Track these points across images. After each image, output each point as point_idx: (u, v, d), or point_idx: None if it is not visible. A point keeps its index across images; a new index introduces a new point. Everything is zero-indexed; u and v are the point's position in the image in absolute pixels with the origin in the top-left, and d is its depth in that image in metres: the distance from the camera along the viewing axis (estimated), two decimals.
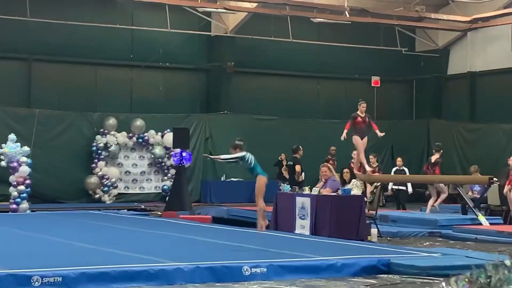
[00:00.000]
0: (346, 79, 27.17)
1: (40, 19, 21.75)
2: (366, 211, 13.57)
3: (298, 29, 24.57)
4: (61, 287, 7.43)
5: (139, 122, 22.98)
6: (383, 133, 17.27)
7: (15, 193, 18.13)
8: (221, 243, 10.88)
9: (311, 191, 13.50)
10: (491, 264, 3.83)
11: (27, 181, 18.18)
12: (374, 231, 13.26)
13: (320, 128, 25.26)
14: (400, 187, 20.07)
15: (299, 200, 13.37)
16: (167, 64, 24.61)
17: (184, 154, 20.41)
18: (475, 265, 4.03)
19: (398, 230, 14.61)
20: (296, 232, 13.11)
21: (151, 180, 23.57)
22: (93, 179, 22.33)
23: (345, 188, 13.54)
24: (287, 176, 20.47)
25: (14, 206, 18.03)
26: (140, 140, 23.10)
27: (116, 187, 22.70)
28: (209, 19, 24.58)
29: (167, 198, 21.25)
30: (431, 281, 8.25)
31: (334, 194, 13.34)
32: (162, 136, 23.14)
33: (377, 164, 19.97)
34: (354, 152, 18.48)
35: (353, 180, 14.33)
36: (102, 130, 22.53)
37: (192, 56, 25.11)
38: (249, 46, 25.29)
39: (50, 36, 22.77)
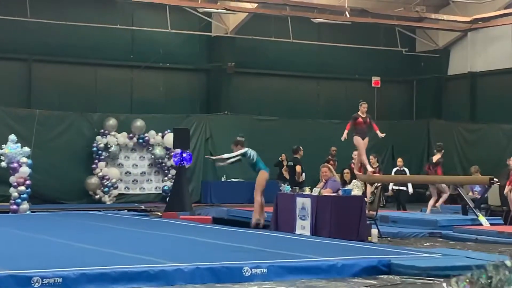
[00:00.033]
0: (347, 79, 27.17)
1: (40, 20, 21.76)
2: (367, 211, 13.56)
3: (299, 30, 24.58)
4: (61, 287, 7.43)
5: (139, 123, 22.98)
6: (384, 134, 17.27)
7: (16, 194, 18.12)
8: (221, 243, 10.87)
9: (311, 191, 13.49)
10: (492, 265, 3.83)
11: (28, 182, 18.17)
12: (374, 231, 13.25)
13: (320, 129, 25.25)
14: (401, 188, 20.07)
15: (299, 200, 13.36)
16: (168, 64, 24.61)
17: (184, 154, 20.40)
18: (476, 266, 4.03)
19: (398, 230, 14.60)
20: (296, 232, 13.10)
21: (151, 180, 23.57)
22: (93, 180, 22.33)
23: (346, 188, 13.54)
24: (288, 177, 20.46)
25: (15, 206, 18.03)
26: (141, 140, 23.09)
27: (116, 188, 22.70)
28: (209, 19, 24.59)
29: (167, 198, 21.23)
30: (432, 281, 8.25)
31: (334, 194, 13.33)
32: (163, 137, 23.14)
33: (377, 164, 19.96)
34: (355, 152, 18.48)
35: (354, 180, 14.32)
36: (102, 130, 22.53)
37: (193, 56, 25.12)
38: (249, 47, 25.30)
39: (50, 37, 22.77)
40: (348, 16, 23.83)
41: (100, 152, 22.43)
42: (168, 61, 24.55)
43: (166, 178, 23.38)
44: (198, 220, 16.22)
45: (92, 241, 11.01)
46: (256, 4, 23.94)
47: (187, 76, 25.38)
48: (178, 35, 24.08)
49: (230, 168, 21.42)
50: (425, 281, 8.32)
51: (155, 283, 7.82)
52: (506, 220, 16.65)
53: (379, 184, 15.89)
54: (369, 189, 17.20)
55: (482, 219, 15.25)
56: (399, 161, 20.74)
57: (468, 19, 25.07)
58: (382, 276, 8.66)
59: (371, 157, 19.08)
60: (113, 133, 22.63)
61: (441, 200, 18.08)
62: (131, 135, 22.94)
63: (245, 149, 15.06)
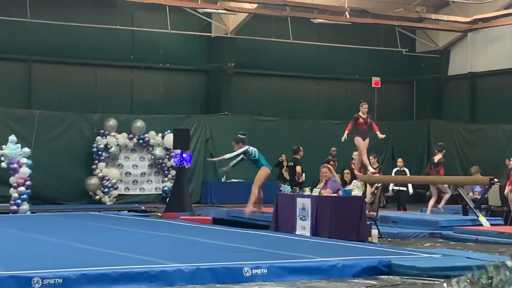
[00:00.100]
0: (347, 80, 27.17)
1: (40, 20, 21.76)
2: (367, 212, 13.56)
3: (299, 30, 24.58)
4: None
5: (139, 123, 22.97)
6: (384, 135, 17.27)
7: (16, 195, 18.12)
8: (221, 244, 10.87)
9: (311, 192, 13.49)
10: (492, 265, 3.82)
11: (28, 183, 18.17)
12: (374, 232, 13.25)
13: (320, 129, 25.25)
14: (401, 188, 20.06)
15: (299, 201, 13.36)
16: (168, 65, 24.61)
17: (184, 155, 20.40)
18: (476, 266, 4.02)
19: (398, 231, 14.60)
20: (296, 233, 13.10)
21: (151, 181, 23.56)
22: (93, 180, 22.32)
23: (346, 189, 13.53)
24: (288, 177, 20.45)
25: (15, 207, 18.03)
26: (141, 141, 23.09)
27: (116, 188, 22.70)
28: (209, 20, 24.59)
29: (167, 199, 21.23)
30: (432, 282, 8.25)
31: (334, 195, 13.33)
32: (163, 137, 23.13)
33: (377, 165, 19.96)
34: (355, 152, 18.48)
35: (354, 181, 14.31)
36: (102, 131, 22.52)
37: (193, 57, 25.12)
38: (249, 47, 25.30)
39: (50, 37, 22.77)
40: (348, 16, 23.83)
41: (100, 152, 22.43)
42: (168, 61, 24.54)
43: (166, 178, 23.38)
44: (198, 220, 16.22)
45: (92, 241, 11.01)
46: (256, 5, 23.93)
47: (187, 77, 25.38)
48: (178, 35, 24.08)
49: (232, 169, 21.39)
50: (426, 281, 8.32)
51: (156, 283, 7.82)
52: (507, 221, 16.65)
53: (379, 185, 15.89)
54: (369, 189, 17.20)
55: (483, 219, 15.25)
56: (399, 161, 20.74)
57: (468, 19, 25.07)
58: (383, 276, 8.66)
59: (371, 157, 19.08)
60: (113, 133, 22.63)
61: (443, 201, 18.05)
62: (131, 135, 22.94)
63: (246, 147, 15.07)
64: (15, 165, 18.05)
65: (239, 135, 15.44)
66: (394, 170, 20.78)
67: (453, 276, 3.92)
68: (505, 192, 16.86)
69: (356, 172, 16.67)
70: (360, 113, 17.02)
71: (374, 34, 26.44)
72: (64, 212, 18.79)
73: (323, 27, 25.26)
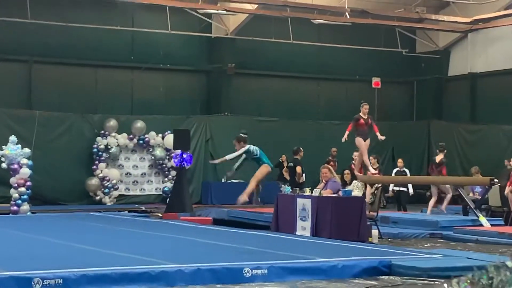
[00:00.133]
0: (347, 80, 27.16)
1: (41, 21, 21.76)
2: (367, 212, 13.56)
3: (299, 31, 24.58)
4: None
5: (139, 124, 22.97)
6: (384, 137, 17.27)
7: (16, 195, 18.12)
8: (222, 244, 10.87)
9: (311, 192, 13.48)
10: (493, 266, 3.83)
11: (28, 183, 18.17)
12: (375, 232, 13.24)
13: (320, 130, 25.26)
14: (401, 189, 20.06)
15: (300, 201, 13.36)
16: (168, 65, 24.61)
17: (184, 155, 20.40)
18: (477, 267, 4.03)
19: (399, 231, 14.60)
20: (297, 233, 13.09)
21: (151, 181, 23.57)
22: (93, 181, 22.32)
23: (346, 189, 13.53)
24: (288, 178, 20.46)
25: (15, 208, 18.03)
26: (141, 141, 23.09)
27: (116, 189, 22.70)
28: (209, 20, 24.59)
29: (167, 199, 21.22)
30: (432, 282, 8.25)
31: (335, 195, 13.33)
32: (163, 138, 23.13)
33: (378, 165, 19.96)
34: (355, 153, 18.48)
35: (354, 181, 14.31)
36: (102, 131, 22.52)
37: (193, 57, 25.12)
38: (249, 48, 25.29)
39: (51, 38, 22.77)
40: (348, 17, 23.83)
41: (100, 153, 22.43)
42: (168, 62, 24.55)
43: (166, 179, 23.38)
44: (199, 221, 16.21)
45: (92, 242, 11.01)
46: (256, 5, 23.94)
47: (187, 77, 25.38)
48: (178, 36, 24.07)
49: (229, 167, 21.39)
50: (426, 282, 8.32)
51: (156, 284, 7.82)
52: (507, 221, 16.65)
53: (379, 185, 15.89)
54: (370, 190, 17.19)
55: (483, 219, 15.25)
56: (400, 162, 20.74)
57: (468, 20, 25.07)
58: (383, 277, 8.66)
59: (371, 158, 19.08)
60: (113, 134, 22.63)
61: (445, 202, 18.02)
62: (131, 136, 22.94)
63: (247, 147, 15.02)
64: (16, 166, 18.05)
65: (241, 134, 15.35)
66: (394, 170, 20.78)
67: (453, 277, 3.92)
68: (505, 192, 16.86)
69: (356, 173, 16.67)
70: (361, 113, 17.02)
71: (374, 34, 26.44)
72: (64, 212, 18.80)
73: (323, 28, 25.26)
